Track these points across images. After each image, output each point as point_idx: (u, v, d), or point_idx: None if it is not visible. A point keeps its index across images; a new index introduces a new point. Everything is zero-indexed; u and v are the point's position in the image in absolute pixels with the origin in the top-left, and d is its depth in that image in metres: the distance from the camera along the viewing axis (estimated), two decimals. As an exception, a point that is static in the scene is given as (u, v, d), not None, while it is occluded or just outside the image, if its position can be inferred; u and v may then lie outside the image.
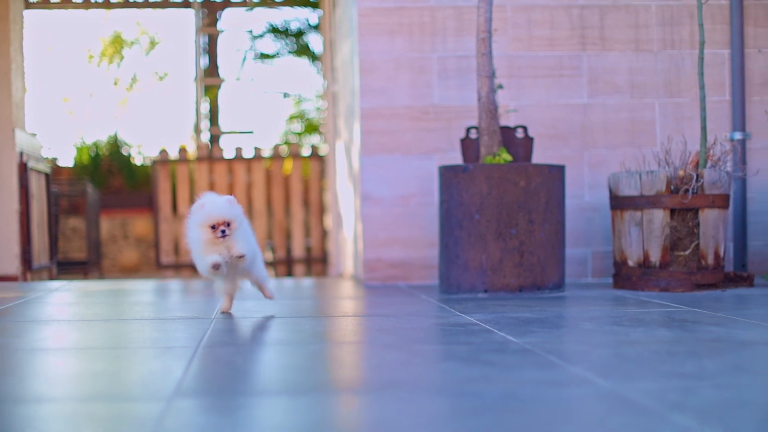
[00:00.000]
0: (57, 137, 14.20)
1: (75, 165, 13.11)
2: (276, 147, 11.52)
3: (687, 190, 5.21)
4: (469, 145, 5.52)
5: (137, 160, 13.45)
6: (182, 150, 11.42)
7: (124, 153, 13.28)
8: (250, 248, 4.02)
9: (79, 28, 17.38)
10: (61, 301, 5.20)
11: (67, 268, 10.74)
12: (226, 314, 4.19)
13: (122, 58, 15.42)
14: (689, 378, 2.47)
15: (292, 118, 15.73)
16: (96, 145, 13.23)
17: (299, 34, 13.50)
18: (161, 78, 15.81)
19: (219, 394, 2.38)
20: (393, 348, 3.13)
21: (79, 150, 13.35)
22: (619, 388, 2.34)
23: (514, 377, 2.52)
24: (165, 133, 18.51)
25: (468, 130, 5.52)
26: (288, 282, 6.82)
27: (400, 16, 6.12)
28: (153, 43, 15.62)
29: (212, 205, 3.90)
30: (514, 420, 2.03)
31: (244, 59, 15.08)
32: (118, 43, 15.34)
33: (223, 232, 3.86)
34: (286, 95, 15.48)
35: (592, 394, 2.29)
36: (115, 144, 13.27)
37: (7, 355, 3.07)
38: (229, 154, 11.28)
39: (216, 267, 3.91)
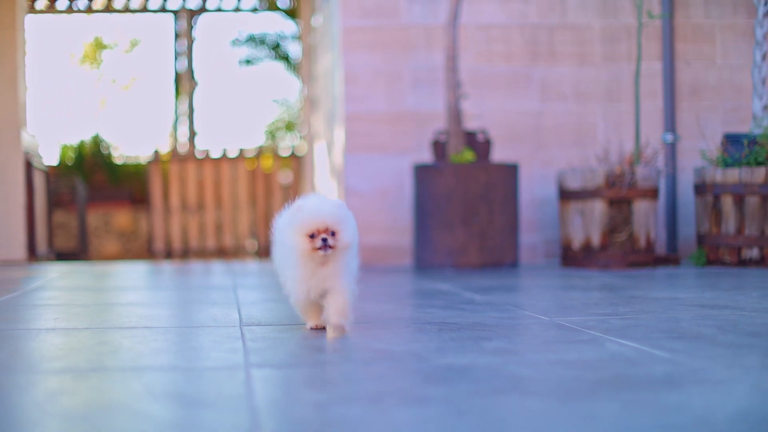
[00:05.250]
0: (42, 136, 14.97)
1: (60, 162, 13.90)
2: (259, 147, 12.43)
3: (622, 185, 6.20)
4: (438, 146, 6.48)
5: (118, 159, 14.23)
6: (174, 150, 12.29)
7: (106, 151, 14.06)
8: (350, 280, 3.08)
9: (62, 32, 18.17)
10: (99, 276, 6.06)
11: (59, 257, 11.52)
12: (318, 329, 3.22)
13: (102, 61, 16.26)
14: (604, 315, 3.45)
15: (275, 121, 16.71)
16: (80, 144, 14.02)
17: (276, 45, 14.46)
18: (138, 80, 16.66)
19: (276, 324, 3.32)
20: (387, 302, 4.10)
21: (64, 148, 14.15)
22: (554, 320, 3.31)
23: (481, 315, 3.49)
24: (144, 133, 19.36)
25: (438, 133, 6.49)
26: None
27: (377, 33, 7.05)
28: (133, 45, 16.47)
29: (314, 206, 2.96)
30: (484, 333, 3.00)
31: (221, 68, 16.11)
32: (98, 46, 16.19)
33: (325, 241, 2.92)
34: (274, 101, 16.48)
35: (536, 323, 3.27)
36: (97, 143, 14.06)
37: (121, 308, 3.97)
38: (216, 153, 12.14)
39: (314, 330, 3.16)
